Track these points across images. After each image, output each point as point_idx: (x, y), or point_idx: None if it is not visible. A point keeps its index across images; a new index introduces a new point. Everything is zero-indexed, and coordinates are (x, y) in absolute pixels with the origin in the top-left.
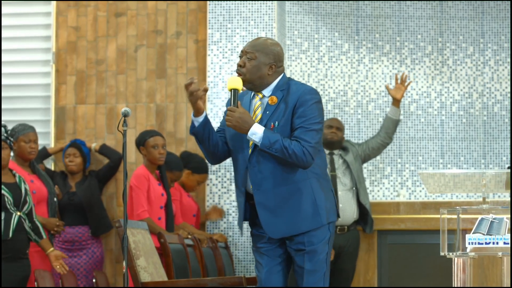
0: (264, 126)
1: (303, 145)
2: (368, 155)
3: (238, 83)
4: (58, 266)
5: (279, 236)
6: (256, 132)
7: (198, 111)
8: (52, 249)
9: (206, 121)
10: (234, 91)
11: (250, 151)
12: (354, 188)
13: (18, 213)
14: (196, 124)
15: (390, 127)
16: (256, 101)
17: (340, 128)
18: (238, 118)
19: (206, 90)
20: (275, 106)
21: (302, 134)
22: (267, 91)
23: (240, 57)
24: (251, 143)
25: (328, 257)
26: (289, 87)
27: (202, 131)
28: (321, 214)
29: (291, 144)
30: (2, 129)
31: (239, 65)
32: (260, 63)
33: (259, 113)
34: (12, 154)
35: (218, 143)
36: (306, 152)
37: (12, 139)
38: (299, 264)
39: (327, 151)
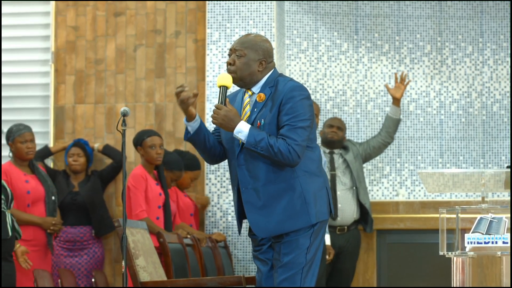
0: (252, 123)
1: (289, 143)
2: (369, 154)
3: (227, 80)
4: (22, 262)
5: (267, 235)
6: (242, 130)
7: (190, 117)
8: (18, 245)
9: (201, 126)
10: (222, 88)
11: (238, 149)
12: (354, 188)
13: (9, 212)
14: (191, 130)
15: (391, 126)
16: (246, 98)
17: (341, 127)
18: (223, 116)
19: (196, 95)
20: (262, 104)
21: (288, 132)
22: (256, 88)
23: (229, 55)
24: (240, 141)
25: (312, 258)
26: (277, 83)
27: (197, 137)
28: (310, 213)
29: (276, 142)
30: None
31: (228, 63)
32: (250, 60)
33: (247, 110)
34: (10, 154)
35: (215, 145)
36: (292, 150)
37: (7, 140)
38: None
39: (327, 150)
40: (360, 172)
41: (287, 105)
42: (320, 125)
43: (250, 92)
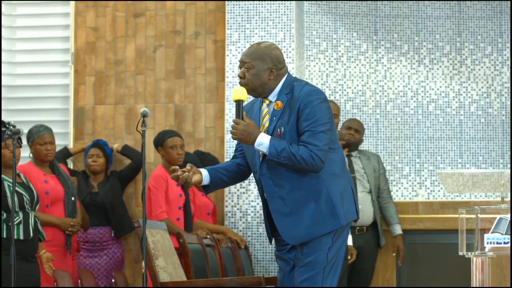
0: (272, 132)
1: (311, 149)
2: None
3: (242, 94)
4: (47, 268)
5: (299, 242)
6: (263, 142)
7: (199, 183)
8: (44, 251)
9: (212, 179)
10: (238, 103)
11: (260, 160)
12: (372, 192)
13: (33, 213)
14: (206, 187)
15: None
16: (264, 108)
17: (359, 130)
18: (242, 130)
19: (191, 168)
20: (280, 111)
21: (309, 138)
22: (272, 96)
23: (240, 67)
24: (260, 152)
25: (333, 260)
26: (293, 89)
27: (217, 186)
28: (339, 215)
29: (298, 150)
30: (20, 128)
31: (239, 77)
32: (259, 71)
33: (266, 120)
34: (30, 155)
35: (236, 172)
36: (315, 156)
37: (27, 141)
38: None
39: (345, 153)
40: (376, 187)
41: (305, 111)
42: (340, 126)
43: (267, 101)
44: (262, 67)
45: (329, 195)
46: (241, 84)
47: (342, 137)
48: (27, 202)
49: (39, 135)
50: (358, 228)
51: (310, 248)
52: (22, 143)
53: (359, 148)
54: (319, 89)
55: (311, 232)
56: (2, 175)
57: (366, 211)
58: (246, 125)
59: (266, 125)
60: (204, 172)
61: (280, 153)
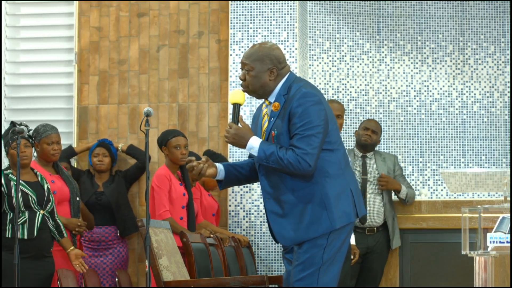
0: (268, 133)
1: (298, 153)
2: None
3: (239, 97)
4: (78, 265)
5: (290, 244)
6: (253, 145)
7: (213, 176)
8: (72, 247)
9: (227, 173)
10: (234, 106)
11: None
12: (383, 193)
13: (42, 212)
14: (220, 182)
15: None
16: (263, 109)
17: (376, 131)
18: (233, 134)
19: (206, 161)
20: (277, 113)
21: (297, 141)
22: (272, 97)
23: (242, 69)
24: None
25: (328, 261)
26: (290, 91)
27: (231, 183)
28: (331, 218)
29: (285, 154)
30: (24, 128)
31: (240, 79)
32: (259, 72)
33: (265, 121)
34: (35, 154)
35: (252, 170)
36: (302, 160)
37: (33, 140)
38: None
39: (359, 154)
40: (390, 193)
41: (296, 114)
42: (345, 126)
43: (267, 102)
44: (262, 68)
45: (322, 197)
46: (242, 86)
47: (359, 138)
48: (34, 201)
49: (47, 135)
50: (368, 228)
51: (305, 248)
52: (33, 141)
53: (376, 149)
54: (314, 92)
55: (303, 234)
56: (10, 175)
57: (376, 212)
58: (238, 129)
59: (265, 126)
60: (219, 167)
61: (269, 157)
